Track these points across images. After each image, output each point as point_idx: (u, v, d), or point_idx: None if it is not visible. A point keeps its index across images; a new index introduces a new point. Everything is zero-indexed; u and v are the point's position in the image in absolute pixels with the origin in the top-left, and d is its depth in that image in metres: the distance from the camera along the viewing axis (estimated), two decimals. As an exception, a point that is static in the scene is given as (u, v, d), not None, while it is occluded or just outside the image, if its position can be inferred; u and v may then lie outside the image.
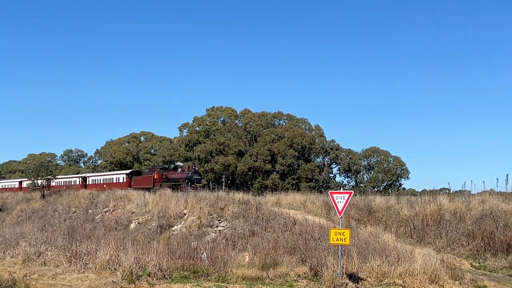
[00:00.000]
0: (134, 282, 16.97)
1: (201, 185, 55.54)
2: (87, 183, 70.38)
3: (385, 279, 17.46)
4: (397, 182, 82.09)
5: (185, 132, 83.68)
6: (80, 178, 73.12)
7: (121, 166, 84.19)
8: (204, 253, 19.45)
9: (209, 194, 34.95)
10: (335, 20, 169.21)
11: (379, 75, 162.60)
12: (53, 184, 71.26)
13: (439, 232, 25.94)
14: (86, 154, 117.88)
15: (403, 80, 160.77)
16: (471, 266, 22.66)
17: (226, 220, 29.87)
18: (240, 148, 76.22)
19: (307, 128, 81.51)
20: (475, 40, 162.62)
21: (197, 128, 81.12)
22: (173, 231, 31.67)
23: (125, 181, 62.57)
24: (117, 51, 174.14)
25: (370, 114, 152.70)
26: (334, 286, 16.15)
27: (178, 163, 61.86)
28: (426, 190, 37.60)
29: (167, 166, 60.09)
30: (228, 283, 16.70)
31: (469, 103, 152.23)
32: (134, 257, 18.44)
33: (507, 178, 35.85)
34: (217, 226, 29.67)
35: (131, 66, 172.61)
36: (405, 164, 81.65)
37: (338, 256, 16.96)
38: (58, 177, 76.19)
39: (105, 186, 64.69)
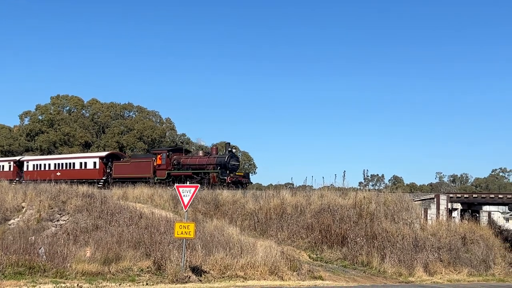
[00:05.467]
0: (-39, 280, 15.66)
1: (242, 173, 39.24)
2: (24, 169, 51.61)
3: (227, 272, 17.83)
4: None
5: (26, 121, 78.84)
6: (12, 163, 53.47)
7: (-47, 155, 77.35)
8: (42, 248, 18.50)
9: (50, 186, 33.27)
10: (193, 12, 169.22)
11: (227, 68, 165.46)
12: None
13: (281, 225, 27.02)
14: None
15: (251, 74, 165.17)
16: (309, 258, 23.92)
17: (68, 213, 28.70)
18: (86, 139, 73.68)
19: (158, 121, 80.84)
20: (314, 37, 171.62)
21: (40, 117, 76.84)
22: (9, 225, 29.74)
23: (97, 167, 45.08)
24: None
25: (220, 108, 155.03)
26: (177, 279, 16.16)
27: (201, 141, 44.49)
28: (272, 185, 38.62)
29: (178, 147, 43.52)
30: (66, 279, 16.01)
31: (312, 99, 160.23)
32: (-38, 253, 17.02)
33: (344, 175, 38.38)
34: (58, 220, 28.43)
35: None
36: (252, 159, 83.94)
37: (182, 250, 16.99)
38: None
39: (58, 174, 45.98)
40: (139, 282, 16.13)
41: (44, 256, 17.62)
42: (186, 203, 17.41)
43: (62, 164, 48.17)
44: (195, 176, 37.78)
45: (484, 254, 25.05)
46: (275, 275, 18.34)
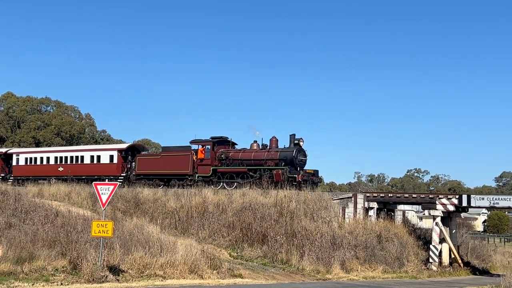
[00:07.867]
0: None
1: (312, 171, 32.72)
2: (13, 163, 44.06)
3: (146, 271, 17.59)
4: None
5: None
6: None
7: None
8: (-51, 247, 17.59)
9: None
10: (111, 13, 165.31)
11: (147, 68, 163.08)
12: None
13: (202, 223, 26.99)
14: None
15: (169, 73, 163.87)
16: (230, 256, 23.98)
17: (-22, 211, 27.40)
18: (0, 134, 70.85)
19: (77, 116, 78.96)
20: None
21: (-50, 111, 73.38)
22: None
23: (115, 162, 38.64)
24: None
25: (140, 106, 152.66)
26: (93, 279, 15.77)
27: (256, 131, 36.45)
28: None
29: (223, 138, 35.68)
30: (-25, 280, 15.29)
31: (229, 101, 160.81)
32: None
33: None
34: (-33, 218, 27.06)
35: None
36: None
37: (100, 249, 16.60)
38: None
39: (61, 169, 40.69)
40: (53, 282, 15.61)
41: (-49, 256, 16.78)
42: (104, 201, 17.00)
43: (67, 157, 41.24)
44: (251, 173, 32.72)
45: (398, 251, 25.98)
46: (195, 273, 18.26)
